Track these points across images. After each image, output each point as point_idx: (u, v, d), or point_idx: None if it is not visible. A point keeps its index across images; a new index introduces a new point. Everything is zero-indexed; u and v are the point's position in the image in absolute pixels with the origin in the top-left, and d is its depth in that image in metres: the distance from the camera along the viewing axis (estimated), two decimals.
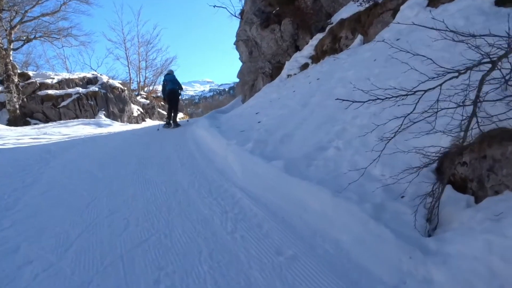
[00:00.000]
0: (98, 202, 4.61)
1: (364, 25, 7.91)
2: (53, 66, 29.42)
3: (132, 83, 28.86)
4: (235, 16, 18.22)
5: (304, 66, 9.40)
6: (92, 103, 19.77)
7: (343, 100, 3.31)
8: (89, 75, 21.70)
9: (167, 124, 11.43)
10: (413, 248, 2.56)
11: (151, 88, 30.86)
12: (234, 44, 13.21)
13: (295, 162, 4.41)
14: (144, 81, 30.35)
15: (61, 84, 19.89)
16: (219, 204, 4.10)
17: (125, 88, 22.98)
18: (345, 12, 8.67)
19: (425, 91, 2.98)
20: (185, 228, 3.58)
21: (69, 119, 18.51)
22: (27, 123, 17.33)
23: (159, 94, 30.88)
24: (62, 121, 17.82)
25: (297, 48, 10.59)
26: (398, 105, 3.15)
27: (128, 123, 20.79)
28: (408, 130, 3.24)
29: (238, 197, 4.21)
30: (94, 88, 20.35)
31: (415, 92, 3.03)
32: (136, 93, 26.59)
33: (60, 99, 19.01)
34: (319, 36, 9.50)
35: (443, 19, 3.54)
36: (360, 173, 3.66)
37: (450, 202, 2.90)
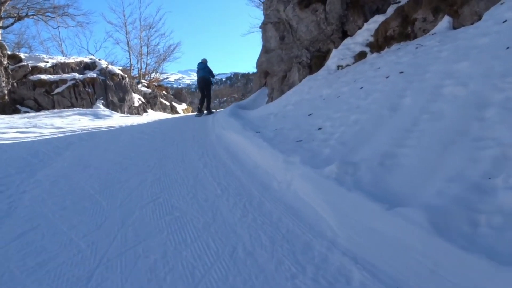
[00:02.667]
0: (107, 271, 2.74)
1: (453, 3, 6.03)
2: (47, 48, 27.38)
3: (133, 70, 26.79)
4: None
5: (361, 56, 7.51)
6: (89, 90, 17.83)
7: None
8: (86, 59, 19.70)
9: (199, 112, 12.04)
10: None
11: (152, 75, 28.78)
12: (260, 27, 11.26)
13: (445, 214, 2.56)
14: (146, 68, 28.26)
15: (56, 68, 17.94)
16: None
17: (126, 75, 20.98)
18: None
19: None
20: None
21: (64, 107, 16.65)
22: (16, 111, 15.41)
23: (161, 83, 28.95)
24: (55, 110, 15.99)
25: (345, 34, 8.69)
26: None
27: (128, 114, 18.87)
28: None
29: (359, 282, 2.36)
30: (92, 74, 18.37)
31: None
32: (137, 81, 24.56)
33: (54, 85, 17.08)
34: (378, 18, 7.61)
35: None
36: None
37: None
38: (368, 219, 2.84)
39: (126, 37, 27.03)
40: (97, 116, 15.46)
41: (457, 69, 4.51)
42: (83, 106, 17.12)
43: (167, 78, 35.54)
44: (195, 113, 19.04)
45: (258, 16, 45.78)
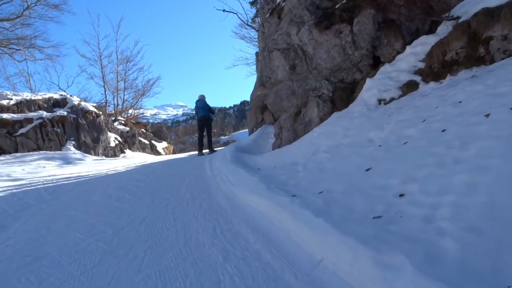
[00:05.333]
0: None
1: None
2: (14, 85, 24.85)
3: (109, 106, 24.67)
4: (247, 24, 15.02)
5: (410, 87, 5.81)
6: (58, 130, 15.64)
7: None
8: (56, 96, 17.60)
9: (200, 152, 11.79)
10: None
11: (130, 112, 26.67)
12: (265, 53, 9.54)
13: None
14: (123, 104, 26.17)
15: (21, 106, 15.85)
16: None
17: (100, 113, 18.88)
18: None
19: None
20: None
21: (28, 150, 14.47)
22: None
23: (139, 120, 26.93)
24: (18, 154, 13.84)
25: (377, 60, 7.05)
26: None
27: (103, 157, 16.72)
28: None
29: None
30: (62, 112, 16.25)
31: None
32: (113, 118, 22.47)
33: (17, 125, 14.88)
34: (426, 39, 5.99)
35: None
36: None
37: None
38: None
39: (101, 72, 24.98)
40: (67, 161, 13.36)
41: None
42: (51, 149, 14.95)
43: (143, 113, 33.60)
44: (180, 155, 17.16)
45: (243, 48, 45.03)
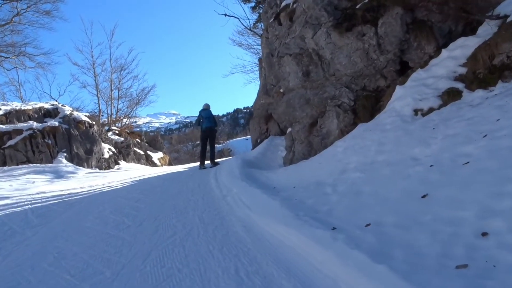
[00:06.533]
0: None
1: None
2: (3, 94, 23.80)
3: (102, 115, 23.81)
4: (249, 29, 14.41)
5: (451, 95, 5.09)
6: (49, 142, 14.81)
7: None
8: (47, 105, 16.77)
9: (202, 165, 10.86)
10: None
11: (124, 121, 25.79)
12: (273, 59, 8.81)
13: None
14: (117, 113, 25.29)
15: (9, 116, 15.07)
16: None
17: (94, 123, 18.02)
18: None
19: None
20: None
21: (18, 163, 13.65)
22: None
23: (134, 130, 26.07)
24: (6, 168, 13.01)
25: (405, 65, 6.35)
26: None
27: (97, 169, 15.87)
28: None
29: None
30: (53, 122, 15.43)
31: None
32: (107, 128, 21.61)
33: (6, 137, 14.06)
34: (465, 41, 5.31)
35: None
36: None
37: None
38: None
39: (95, 80, 24.10)
40: (58, 175, 12.51)
41: None
42: (41, 161, 14.10)
43: (136, 122, 32.71)
44: (179, 167, 16.34)
45: (240, 55, 44.30)
